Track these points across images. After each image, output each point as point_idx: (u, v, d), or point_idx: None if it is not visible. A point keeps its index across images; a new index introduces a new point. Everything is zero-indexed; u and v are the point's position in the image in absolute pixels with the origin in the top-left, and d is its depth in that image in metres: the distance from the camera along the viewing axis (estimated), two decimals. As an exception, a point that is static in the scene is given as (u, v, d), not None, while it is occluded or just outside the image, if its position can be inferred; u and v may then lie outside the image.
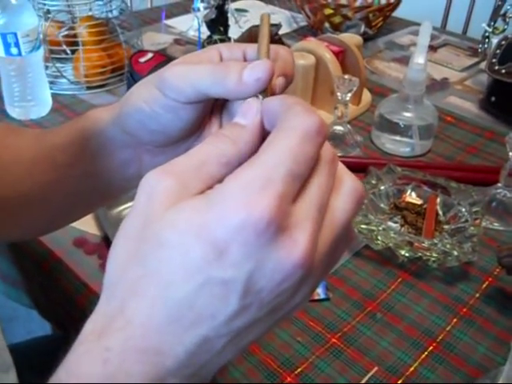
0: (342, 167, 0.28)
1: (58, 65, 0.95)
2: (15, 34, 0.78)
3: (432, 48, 1.19)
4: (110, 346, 0.25)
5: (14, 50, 0.80)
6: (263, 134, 0.28)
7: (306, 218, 0.25)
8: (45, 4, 0.92)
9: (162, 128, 0.37)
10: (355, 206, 0.27)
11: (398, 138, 0.82)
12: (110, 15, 0.96)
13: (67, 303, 0.60)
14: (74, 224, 0.65)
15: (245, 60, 0.36)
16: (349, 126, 0.81)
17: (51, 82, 0.93)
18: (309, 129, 0.25)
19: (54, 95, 0.91)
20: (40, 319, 0.71)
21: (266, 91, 0.31)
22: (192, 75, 0.34)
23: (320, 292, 0.57)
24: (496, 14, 0.99)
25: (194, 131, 0.38)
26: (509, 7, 0.94)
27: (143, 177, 0.26)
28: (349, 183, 0.28)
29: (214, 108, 0.38)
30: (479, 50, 1.05)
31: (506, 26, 0.97)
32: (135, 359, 0.25)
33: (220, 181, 0.26)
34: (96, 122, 0.42)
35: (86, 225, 0.65)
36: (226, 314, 0.24)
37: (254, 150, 0.27)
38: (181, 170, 0.26)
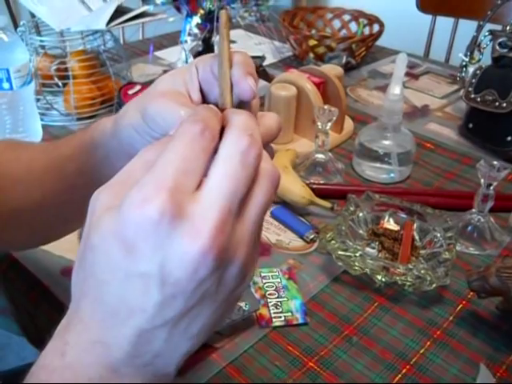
0: (264, 156, 0.30)
1: (49, 97, 0.98)
2: (7, 70, 0.81)
3: (414, 76, 1.23)
4: (68, 341, 0.29)
5: (5, 85, 0.83)
6: None
7: (210, 206, 0.27)
8: (38, 40, 0.95)
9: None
10: (272, 189, 0.30)
11: (377, 165, 0.85)
12: (101, 49, 1.00)
13: (55, 331, 0.62)
14: (62, 253, 0.67)
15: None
16: (330, 154, 0.84)
17: (42, 114, 0.96)
18: (194, 131, 0.28)
19: (44, 126, 0.94)
20: (30, 345, 0.72)
21: None
22: (166, 113, 0.37)
23: (299, 317, 0.59)
24: (472, 44, 1.03)
25: None
26: (483, 38, 0.98)
27: None
28: (265, 168, 0.30)
29: None
30: (458, 78, 1.09)
31: (480, 56, 1.01)
32: (87, 351, 0.28)
33: None
34: (103, 132, 0.45)
35: (74, 254, 0.66)
36: (152, 305, 0.27)
37: None
38: (113, 182, 0.30)
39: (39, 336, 0.67)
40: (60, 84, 0.99)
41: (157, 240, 0.26)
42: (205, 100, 0.40)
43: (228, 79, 0.36)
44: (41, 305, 0.63)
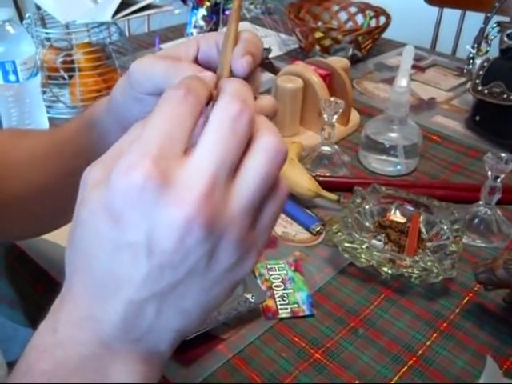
0: (261, 121, 0.29)
1: (55, 90, 0.98)
2: (13, 62, 0.82)
3: (420, 68, 1.23)
4: (59, 318, 0.28)
5: (12, 77, 0.83)
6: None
7: (197, 173, 0.26)
8: (43, 32, 0.95)
9: (135, 118, 0.40)
10: (269, 162, 0.28)
11: (383, 157, 0.84)
12: (107, 41, 1.00)
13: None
14: (68, 245, 0.67)
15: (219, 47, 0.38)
16: (336, 146, 0.84)
17: (48, 107, 0.96)
18: (176, 98, 0.28)
19: (50, 119, 0.94)
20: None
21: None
22: (150, 69, 0.37)
23: (305, 308, 0.59)
24: (480, 36, 1.02)
25: None
26: (490, 29, 0.97)
27: None
28: (263, 139, 0.28)
29: None
30: (465, 71, 1.08)
31: (488, 48, 1.00)
32: (79, 327, 0.28)
33: None
34: (98, 111, 0.46)
35: (80, 245, 0.67)
36: (140, 275, 0.26)
37: None
38: (105, 157, 0.30)
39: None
40: (66, 76, 0.99)
41: (143, 208, 0.25)
42: None
43: (229, 57, 0.35)
44: (48, 295, 0.64)
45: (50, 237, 0.66)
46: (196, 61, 0.40)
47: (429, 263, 0.61)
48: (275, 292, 0.61)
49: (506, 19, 1.22)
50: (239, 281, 0.30)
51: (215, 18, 1.01)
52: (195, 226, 0.25)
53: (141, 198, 0.25)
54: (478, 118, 0.96)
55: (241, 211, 0.27)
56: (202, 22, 1.02)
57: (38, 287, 0.64)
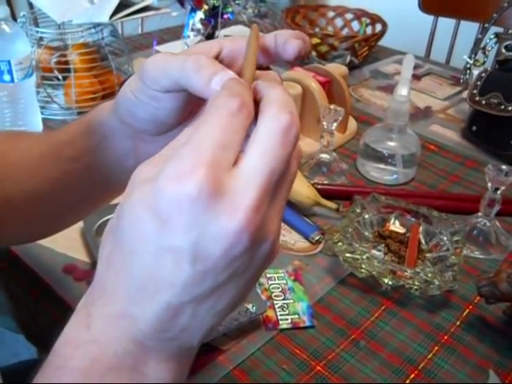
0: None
1: (49, 90, 0.96)
2: (9, 62, 0.80)
3: (416, 77, 1.23)
4: (92, 313, 0.28)
5: (6, 77, 0.81)
6: None
7: (249, 184, 0.26)
8: (38, 32, 0.94)
9: (150, 116, 0.39)
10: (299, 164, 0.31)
11: (382, 166, 0.84)
12: (101, 42, 0.98)
13: (55, 329, 0.61)
14: (64, 250, 0.66)
15: None
16: (334, 154, 0.83)
17: (42, 107, 0.94)
18: (232, 106, 0.27)
19: (44, 120, 0.92)
20: (26, 342, 0.71)
21: None
22: (166, 65, 0.35)
23: (306, 320, 0.59)
24: (477, 46, 1.02)
25: (183, 118, 0.40)
26: (488, 41, 0.97)
27: None
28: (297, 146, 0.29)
29: None
30: (461, 81, 1.09)
31: (485, 59, 1.00)
32: (112, 324, 0.28)
33: None
34: (100, 114, 0.44)
35: (76, 251, 0.66)
36: (182, 280, 0.26)
37: None
38: (156, 156, 0.29)
39: (40, 334, 0.66)
40: (60, 77, 0.97)
41: (193, 216, 0.25)
42: None
43: (253, 57, 0.34)
44: (42, 302, 0.62)
45: (45, 242, 0.65)
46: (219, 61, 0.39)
47: (430, 275, 0.61)
48: (275, 302, 0.61)
49: (501, 30, 1.23)
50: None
51: (213, 21, 1.00)
52: (244, 236, 0.26)
53: (192, 207, 0.25)
54: (474, 128, 0.96)
55: (279, 214, 0.29)
56: (199, 25, 1.01)
57: (32, 294, 0.63)
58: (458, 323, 0.60)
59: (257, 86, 0.31)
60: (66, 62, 0.96)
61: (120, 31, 1.52)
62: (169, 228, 0.26)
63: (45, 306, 0.63)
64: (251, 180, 0.26)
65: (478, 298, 0.63)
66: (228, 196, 0.26)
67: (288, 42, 0.35)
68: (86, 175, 0.46)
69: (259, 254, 0.28)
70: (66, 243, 0.66)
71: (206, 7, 0.99)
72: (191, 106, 0.39)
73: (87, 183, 0.47)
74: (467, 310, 0.62)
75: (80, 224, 0.67)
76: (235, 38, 0.38)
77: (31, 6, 1.23)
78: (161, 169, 0.26)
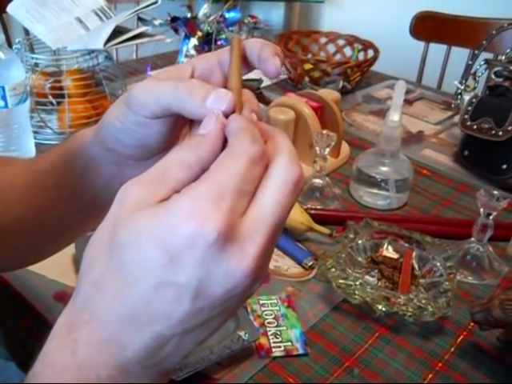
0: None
1: (43, 115, 0.96)
2: (3, 88, 0.80)
3: (408, 101, 1.24)
4: (78, 338, 0.28)
5: (0, 103, 0.81)
6: (224, 142, 0.31)
7: (258, 230, 0.28)
8: (33, 57, 0.94)
9: (138, 142, 0.39)
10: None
11: (375, 191, 0.84)
12: (97, 68, 0.99)
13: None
14: (55, 277, 0.65)
15: (221, 67, 0.37)
16: (327, 178, 0.84)
17: (35, 132, 0.94)
18: (254, 155, 0.29)
19: (37, 144, 0.92)
20: (17, 370, 0.70)
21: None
22: (156, 91, 0.35)
23: (299, 347, 0.58)
24: (467, 72, 1.04)
25: (171, 143, 0.39)
26: (478, 67, 0.99)
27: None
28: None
29: (190, 120, 0.39)
30: (453, 105, 1.10)
31: (476, 84, 1.02)
32: (99, 349, 0.28)
33: (186, 184, 0.28)
34: (82, 142, 0.43)
35: (67, 278, 0.65)
36: (179, 314, 0.27)
37: (215, 156, 0.30)
38: (146, 177, 0.29)
39: (31, 361, 0.65)
40: (54, 102, 0.98)
41: (204, 257, 0.26)
42: None
43: (236, 75, 0.35)
44: (33, 330, 0.61)
45: (37, 269, 0.64)
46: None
47: (423, 301, 0.60)
48: (268, 329, 0.60)
49: (491, 56, 1.25)
50: None
51: (207, 47, 1.01)
52: (250, 278, 0.27)
53: (206, 249, 0.26)
54: (466, 152, 0.97)
55: (271, 254, 0.30)
56: (193, 52, 1.02)
57: (23, 322, 0.62)
58: (453, 350, 0.60)
59: (265, 130, 0.32)
60: (61, 88, 0.97)
61: (115, 57, 1.53)
62: (177, 265, 0.26)
63: (36, 334, 0.62)
64: (261, 227, 0.28)
65: (472, 324, 0.62)
66: (239, 241, 0.27)
67: (267, 60, 0.36)
68: (72, 201, 0.46)
69: (252, 290, 0.29)
70: (57, 270, 0.66)
71: (199, 34, 1.00)
72: (177, 130, 0.39)
73: (74, 209, 0.46)
74: (461, 337, 0.62)
75: (72, 250, 0.66)
76: (206, 56, 0.38)
77: (27, 32, 1.24)
78: (156, 195, 0.27)
